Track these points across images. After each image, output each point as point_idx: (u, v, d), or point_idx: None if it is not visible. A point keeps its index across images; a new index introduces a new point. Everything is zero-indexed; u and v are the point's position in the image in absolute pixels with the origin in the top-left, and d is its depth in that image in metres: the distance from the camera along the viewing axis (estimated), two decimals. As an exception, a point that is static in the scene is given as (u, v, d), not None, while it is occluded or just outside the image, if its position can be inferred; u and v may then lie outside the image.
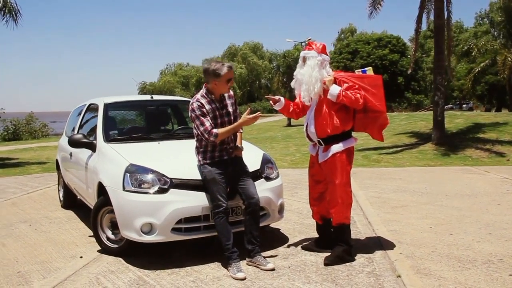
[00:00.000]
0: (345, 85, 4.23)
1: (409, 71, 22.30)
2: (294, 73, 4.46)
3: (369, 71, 4.55)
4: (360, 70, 4.61)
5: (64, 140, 6.86)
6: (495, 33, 40.83)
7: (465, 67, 42.64)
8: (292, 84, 4.51)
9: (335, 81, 4.26)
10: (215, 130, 4.12)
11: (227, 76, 4.17)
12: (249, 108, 4.37)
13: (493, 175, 9.34)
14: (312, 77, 4.26)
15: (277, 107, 4.64)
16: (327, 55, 4.41)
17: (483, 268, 4.01)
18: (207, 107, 4.19)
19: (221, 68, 4.14)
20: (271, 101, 4.61)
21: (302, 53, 4.46)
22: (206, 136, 4.12)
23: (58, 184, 7.55)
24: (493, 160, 11.63)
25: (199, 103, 4.19)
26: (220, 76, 4.14)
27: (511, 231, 5.14)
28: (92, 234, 4.89)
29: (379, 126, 4.51)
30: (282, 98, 4.65)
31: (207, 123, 4.13)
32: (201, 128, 4.13)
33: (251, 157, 4.66)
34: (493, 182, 8.49)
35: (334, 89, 4.19)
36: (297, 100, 4.57)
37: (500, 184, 8.24)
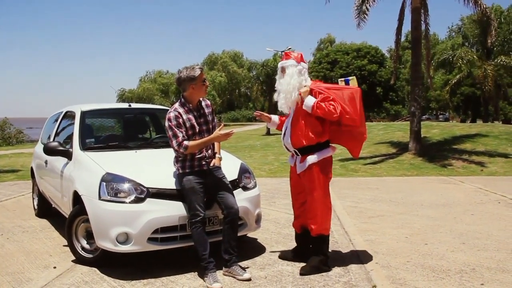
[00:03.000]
0: (320, 96, 4.21)
1: (391, 82, 22.75)
2: (275, 86, 4.48)
3: (352, 81, 4.55)
4: (343, 79, 4.62)
5: (39, 148, 6.75)
6: (469, 45, 41.76)
7: (442, 78, 43.53)
8: (275, 97, 4.50)
9: (311, 92, 4.27)
10: (185, 142, 4.11)
11: (201, 77, 4.20)
12: (222, 124, 4.37)
13: (467, 185, 9.52)
14: (290, 85, 4.28)
15: (271, 125, 4.70)
16: (305, 63, 4.45)
17: (456, 278, 4.07)
18: (185, 116, 4.19)
19: (194, 71, 4.18)
20: (264, 119, 4.67)
21: (280, 64, 4.47)
22: (176, 147, 4.13)
23: (33, 192, 7.42)
24: (468, 171, 11.86)
25: (176, 113, 4.19)
26: (196, 79, 4.16)
27: (484, 241, 5.24)
28: (66, 243, 4.81)
29: (354, 141, 4.47)
30: (275, 117, 4.70)
31: (180, 134, 4.12)
32: (174, 140, 4.14)
33: (229, 167, 4.65)
34: (467, 192, 8.65)
35: (309, 100, 4.20)
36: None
37: (474, 194, 8.40)
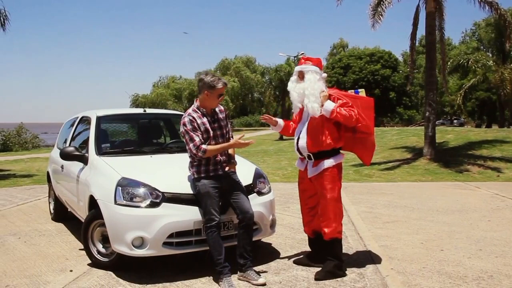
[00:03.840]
0: (339, 101, 4.28)
1: (407, 88, 22.66)
2: (289, 88, 4.49)
3: (362, 92, 4.60)
4: (353, 91, 4.65)
5: (55, 152, 6.83)
6: (484, 50, 41.37)
7: (456, 83, 43.14)
8: (292, 98, 4.51)
9: (330, 98, 4.31)
10: (204, 146, 4.14)
11: (220, 91, 4.22)
12: (243, 134, 4.39)
13: (483, 191, 9.40)
14: (315, 89, 4.30)
15: (276, 129, 4.72)
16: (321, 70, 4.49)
17: (474, 285, 4.02)
18: (199, 121, 4.22)
19: (217, 82, 4.19)
20: (270, 124, 4.67)
21: (299, 68, 4.45)
22: (194, 151, 4.15)
23: (49, 196, 7.49)
24: (484, 176, 11.72)
25: (190, 118, 4.21)
26: (214, 89, 4.18)
27: (501, 248, 5.17)
28: (82, 247, 4.85)
29: (367, 148, 4.55)
30: (280, 121, 4.71)
31: (197, 138, 4.15)
32: (191, 144, 4.16)
33: (243, 172, 4.66)
34: (484, 198, 8.54)
35: (329, 105, 4.24)
36: (294, 117, 4.60)
37: (491, 200, 8.30)
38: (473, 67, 29.07)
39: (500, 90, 27.81)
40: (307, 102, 4.32)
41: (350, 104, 4.27)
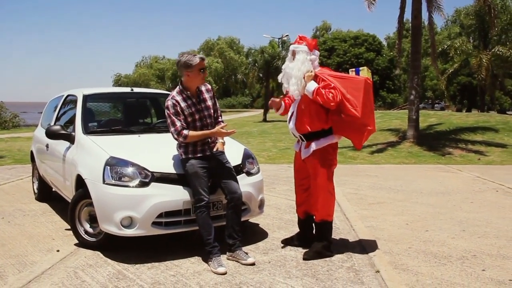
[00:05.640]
0: (322, 83, 4.18)
1: (395, 72, 22.73)
2: (283, 67, 4.42)
3: (363, 71, 4.38)
4: (353, 70, 4.50)
5: (40, 131, 6.72)
6: (465, 36, 41.66)
7: (439, 68, 43.49)
8: (279, 78, 4.46)
9: (316, 78, 4.25)
10: (185, 132, 4.10)
11: (199, 66, 4.13)
12: (226, 124, 4.34)
13: (465, 174, 9.57)
14: (300, 71, 4.24)
15: (279, 112, 4.61)
16: (318, 51, 4.43)
17: (458, 264, 4.12)
18: (183, 104, 4.16)
19: (193, 59, 4.12)
20: (274, 108, 4.59)
21: (292, 47, 4.39)
22: (175, 136, 4.14)
23: (33, 176, 7.39)
24: (465, 159, 11.93)
25: (174, 101, 4.16)
26: (192, 67, 4.11)
27: (483, 228, 5.29)
28: (68, 227, 4.81)
29: (356, 132, 4.31)
30: (282, 102, 4.61)
31: (178, 123, 4.11)
32: (172, 128, 4.14)
33: (232, 152, 4.65)
34: (466, 181, 8.70)
35: (311, 86, 4.18)
36: (289, 94, 4.50)
37: (472, 183, 8.46)
38: (451, 53, 29.37)
39: (477, 75, 28.18)
40: (288, 83, 4.31)
41: (332, 85, 4.13)
